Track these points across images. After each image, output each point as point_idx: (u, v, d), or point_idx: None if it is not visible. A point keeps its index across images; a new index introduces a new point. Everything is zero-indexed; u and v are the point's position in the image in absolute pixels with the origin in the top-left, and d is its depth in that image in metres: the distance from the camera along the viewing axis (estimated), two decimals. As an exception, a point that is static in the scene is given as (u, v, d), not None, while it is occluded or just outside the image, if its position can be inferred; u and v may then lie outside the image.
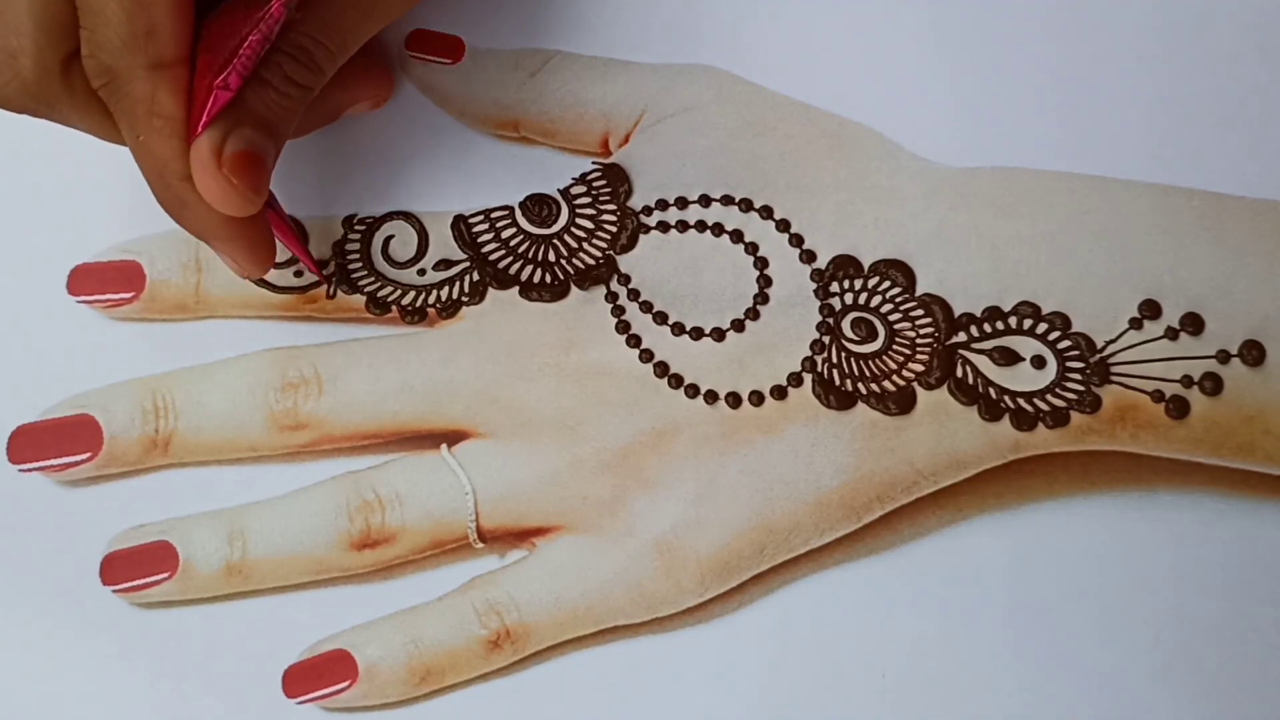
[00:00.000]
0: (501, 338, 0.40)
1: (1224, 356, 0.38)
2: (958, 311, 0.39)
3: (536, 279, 0.40)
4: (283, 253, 0.41)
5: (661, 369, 0.39)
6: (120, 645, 0.39)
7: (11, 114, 0.43)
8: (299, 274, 0.41)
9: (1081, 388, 0.38)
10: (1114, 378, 0.38)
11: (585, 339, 0.40)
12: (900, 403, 0.39)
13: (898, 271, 0.39)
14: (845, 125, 0.42)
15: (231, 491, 0.40)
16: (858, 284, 0.40)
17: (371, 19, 0.37)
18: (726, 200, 0.41)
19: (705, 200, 0.41)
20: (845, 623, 0.40)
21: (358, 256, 0.41)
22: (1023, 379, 0.39)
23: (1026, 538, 0.40)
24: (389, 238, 0.41)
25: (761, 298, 0.40)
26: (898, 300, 0.39)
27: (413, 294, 0.41)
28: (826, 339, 0.39)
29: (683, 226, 0.41)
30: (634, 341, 0.40)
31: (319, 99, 0.39)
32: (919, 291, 0.39)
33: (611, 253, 0.41)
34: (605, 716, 0.39)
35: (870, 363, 0.39)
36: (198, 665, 0.39)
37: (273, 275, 0.41)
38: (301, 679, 0.38)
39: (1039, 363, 0.39)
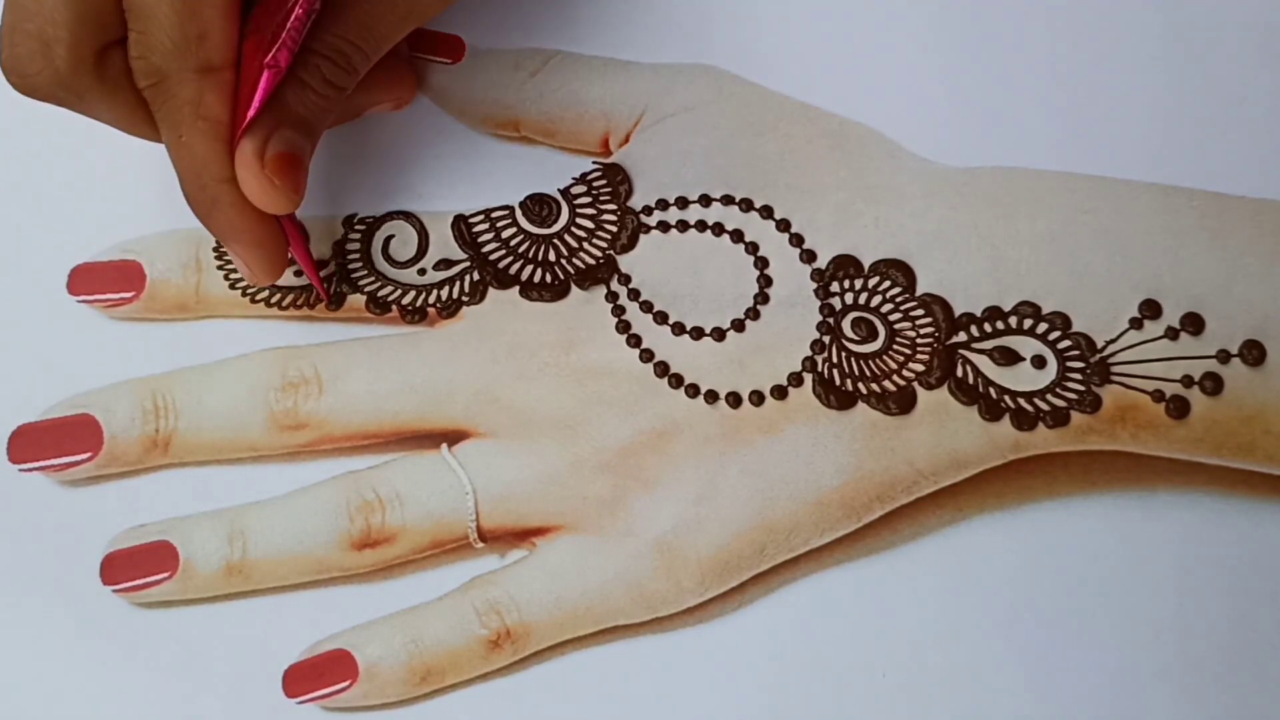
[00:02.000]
0: (502, 337, 0.40)
1: (1224, 356, 0.38)
2: (958, 311, 0.39)
3: (537, 279, 0.40)
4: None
5: (661, 369, 0.39)
6: (120, 645, 0.39)
7: (12, 116, 0.43)
8: (299, 274, 0.41)
9: (1082, 387, 0.38)
10: (1114, 377, 0.38)
11: (585, 339, 0.40)
12: (900, 402, 0.39)
13: (898, 271, 0.39)
14: (845, 125, 0.42)
15: (231, 491, 0.40)
16: (858, 284, 0.40)
17: (407, 21, 0.38)
18: (727, 200, 0.41)
19: (705, 200, 0.41)
20: (845, 623, 0.40)
21: (358, 256, 0.41)
22: (1023, 379, 0.39)
23: (1026, 538, 0.40)
24: (389, 237, 0.41)
25: (762, 297, 0.40)
26: (898, 300, 0.39)
27: (413, 294, 0.41)
28: (827, 339, 0.39)
29: (683, 226, 0.41)
30: (634, 341, 0.40)
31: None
32: (919, 291, 0.39)
33: (612, 252, 0.41)
34: (605, 716, 0.39)
35: (870, 362, 0.39)
36: (198, 665, 0.39)
37: (273, 275, 0.41)
38: (301, 679, 0.38)
39: (1039, 362, 0.39)
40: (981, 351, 0.39)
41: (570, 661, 0.39)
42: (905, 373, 0.39)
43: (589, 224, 0.41)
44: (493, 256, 0.41)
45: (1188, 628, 0.39)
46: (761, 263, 0.40)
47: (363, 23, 0.36)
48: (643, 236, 0.41)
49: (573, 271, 0.40)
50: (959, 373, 0.39)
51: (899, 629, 0.39)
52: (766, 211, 0.40)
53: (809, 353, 0.39)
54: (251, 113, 0.34)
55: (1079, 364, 0.38)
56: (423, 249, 0.41)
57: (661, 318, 0.40)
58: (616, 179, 0.41)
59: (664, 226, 0.41)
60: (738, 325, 0.40)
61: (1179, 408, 0.38)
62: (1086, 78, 0.43)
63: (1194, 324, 0.38)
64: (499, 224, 0.41)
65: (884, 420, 0.39)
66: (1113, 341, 0.39)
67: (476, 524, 0.39)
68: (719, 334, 0.39)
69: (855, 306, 0.39)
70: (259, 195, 0.35)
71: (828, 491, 0.38)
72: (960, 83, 0.43)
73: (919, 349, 0.39)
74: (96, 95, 0.35)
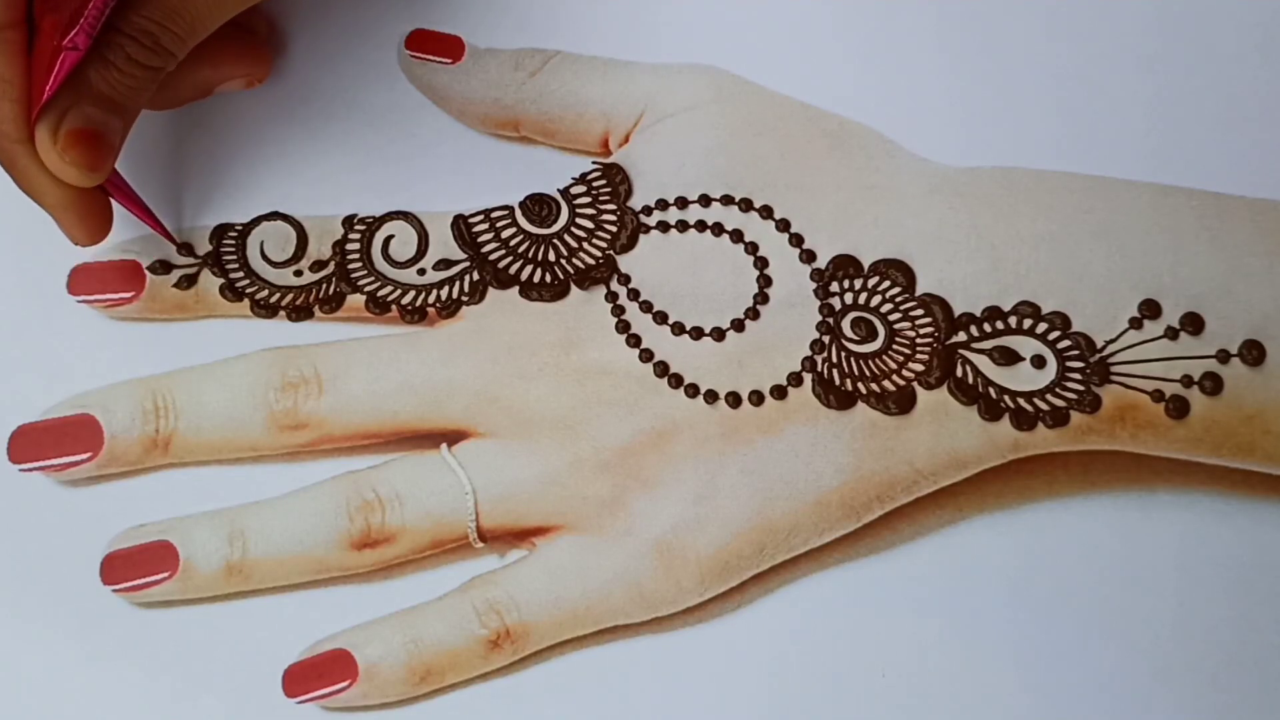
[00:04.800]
0: (501, 337, 0.40)
1: (1224, 356, 0.38)
2: (958, 311, 0.39)
3: (536, 279, 0.40)
4: (283, 251, 0.41)
5: (661, 369, 0.39)
6: (120, 645, 0.39)
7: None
8: (299, 274, 0.41)
9: (1081, 387, 0.38)
10: (1114, 377, 0.38)
11: (585, 339, 0.40)
12: (900, 402, 0.39)
13: (898, 271, 0.39)
14: (845, 125, 0.42)
15: (231, 491, 0.40)
16: (857, 284, 0.40)
17: (225, 4, 0.37)
18: (726, 200, 0.40)
19: (705, 200, 0.41)
20: (845, 623, 0.40)
21: (358, 256, 0.41)
22: (1023, 379, 0.39)
23: (1026, 538, 0.40)
24: (389, 238, 0.41)
25: (761, 297, 0.40)
26: (898, 300, 0.39)
27: (413, 294, 0.41)
28: (826, 339, 0.39)
29: (683, 226, 0.41)
30: (634, 341, 0.40)
31: (187, 75, 0.40)
32: (919, 291, 0.39)
33: (611, 252, 0.40)
34: (605, 716, 0.39)
35: (870, 362, 0.39)
36: (198, 665, 0.39)
37: (272, 275, 0.41)
38: (301, 678, 0.38)
39: (1039, 362, 0.39)
40: (981, 351, 0.39)
41: (570, 661, 0.39)
42: (905, 373, 0.39)
43: (589, 224, 0.41)
44: (492, 256, 0.41)
45: (1187, 628, 0.39)
46: (761, 263, 0.40)
47: (173, 4, 0.36)
48: (642, 236, 0.41)
49: (572, 271, 0.40)
50: (958, 373, 0.39)
51: (899, 629, 0.39)
52: (766, 211, 0.40)
53: (808, 353, 0.39)
54: (49, 92, 0.35)
55: (1079, 364, 0.38)
56: (423, 249, 0.41)
57: (661, 318, 0.40)
58: (616, 179, 0.41)
59: (664, 226, 0.41)
60: (737, 325, 0.39)
61: (1179, 407, 0.38)
62: (1086, 78, 0.43)
63: (1194, 324, 0.38)
64: (499, 224, 0.41)
65: (884, 420, 0.39)
66: (1112, 341, 0.39)
67: (476, 524, 0.39)
68: (719, 334, 0.39)
69: (855, 306, 0.39)
70: (56, 169, 0.36)
71: (827, 491, 0.38)
72: (960, 83, 0.43)
73: (918, 349, 0.39)
74: None
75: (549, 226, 0.41)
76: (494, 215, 0.41)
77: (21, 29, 0.35)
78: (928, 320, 0.39)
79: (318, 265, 0.41)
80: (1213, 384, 0.38)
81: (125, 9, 0.35)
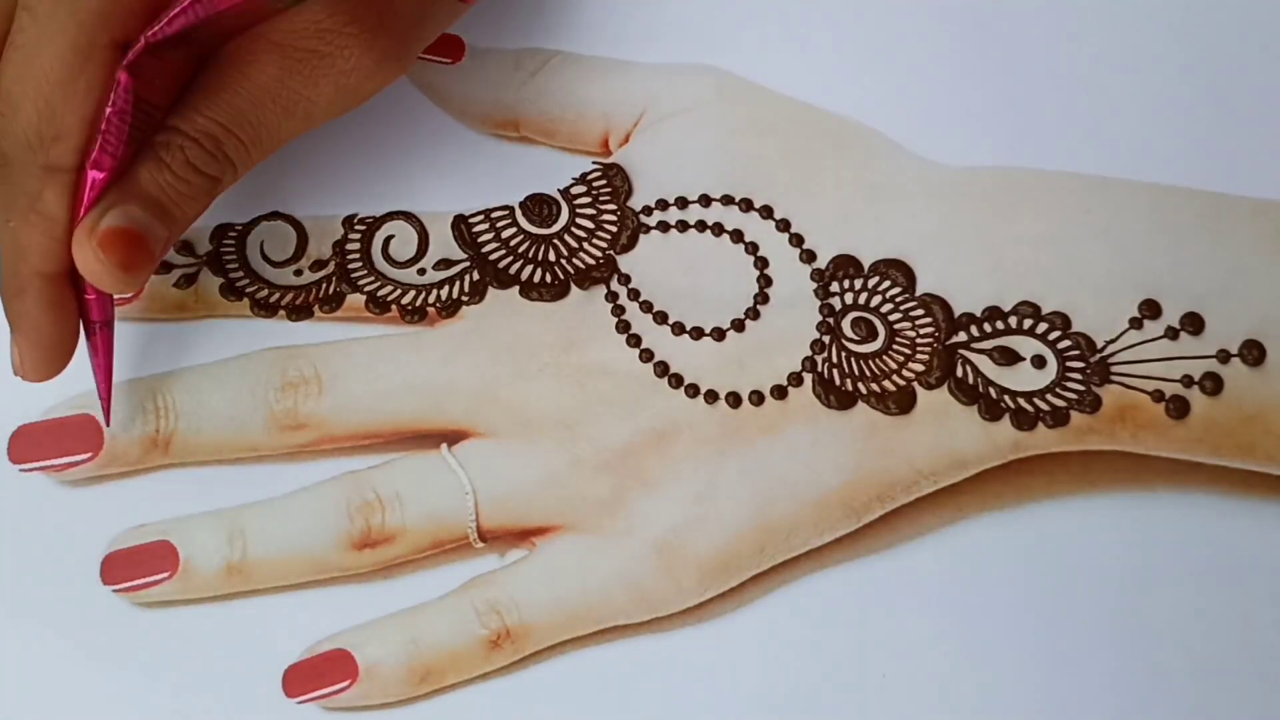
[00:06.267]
0: (502, 337, 0.40)
1: (1224, 356, 0.38)
2: (958, 311, 0.39)
3: (537, 279, 0.40)
4: (284, 251, 0.41)
5: (661, 369, 0.39)
6: (120, 645, 0.39)
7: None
8: (299, 273, 0.41)
9: (1082, 387, 0.38)
10: (1114, 377, 0.38)
11: (585, 339, 0.40)
12: (900, 402, 0.39)
13: (898, 271, 0.39)
14: (845, 125, 0.42)
15: (231, 491, 0.40)
16: (858, 284, 0.40)
17: (294, 117, 0.36)
18: (727, 200, 0.40)
19: (705, 200, 0.41)
20: (845, 623, 0.39)
21: (358, 256, 0.41)
22: (1023, 379, 0.39)
23: (1026, 538, 0.40)
24: (389, 238, 0.41)
25: (762, 297, 0.40)
26: (898, 300, 0.39)
27: (413, 293, 0.41)
28: (827, 339, 0.39)
29: (683, 226, 0.41)
30: (634, 341, 0.39)
31: None
32: (919, 291, 0.39)
33: (612, 253, 0.40)
34: (605, 716, 0.39)
35: (870, 362, 0.39)
36: (198, 665, 0.39)
37: (272, 275, 0.41)
38: (302, 679, 0.38)
39: (1039, 362, 0.39)
40: (981, 351, 0.39)
41: (570, 661, 0.39)
42: (905, 373, 0.39)
43: (589, 224, 0.41)
44: (493, 256, 0.41)
45: (1187, 628, 0.39)
46: (761, 263, 0.40)
47: (241, 110, 0.35)
48: (643, 236, 0.41)
49: (573, 271, 0.40)
50: (959, 373, 0.39)
51: (899, 629, 0.39)
52: (766, 211, 0.40)
53: (809, 353, 0.39)
54: (82, 213, 0.33)
55: (1079, 364, 0.38)
56: (423, 249, 0.41)
57: (661, 318, 0.40)
58: (616, 179, 0.41)
59: (664, 226, 0.41)
60: (738, 325, 0.39)
61: (1179, 407, 0.38)
62: (1086, 78, 0.43)
63: (1194, 324, 0.38)
64: (499, 224, 0.41)
65: (884, 420, 0.39)
66: (1113, 341, 0.39)
67: (476, 524, 0.39)
68: (719, 334, 0.39)
69: (855, 306, 0.39)
70: (87, 269, 0.33)
71: (827, 491, 0.38)
72: (960, 83, 0.43)
73: (919, 349, 0.39)
74: None
75: (549, 226, 0.41)
76: (494, 215, 0.41)
77: (82, 172, 0.34)
78: (928, 320, 0.39)
79: (318, 265, 0.41)
80: (1213, 384, 0.38)
81: (188, 109, 0.34)
